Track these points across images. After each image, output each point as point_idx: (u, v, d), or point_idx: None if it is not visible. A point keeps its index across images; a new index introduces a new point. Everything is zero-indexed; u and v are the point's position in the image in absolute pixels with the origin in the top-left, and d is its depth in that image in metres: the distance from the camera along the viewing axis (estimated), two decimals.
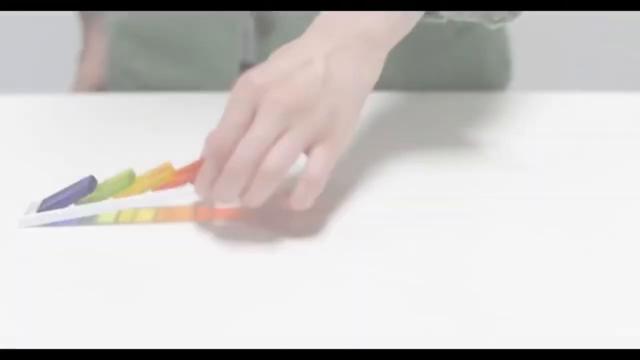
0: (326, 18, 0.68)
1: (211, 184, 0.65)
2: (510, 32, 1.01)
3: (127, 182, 0.67)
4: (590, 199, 0.71)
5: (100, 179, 0.70)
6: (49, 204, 0.67)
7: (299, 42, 0.67)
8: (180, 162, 0.75)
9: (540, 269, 0.62)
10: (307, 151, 0.65)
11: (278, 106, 0.63)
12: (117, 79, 1.02)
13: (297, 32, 0.91)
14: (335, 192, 0.72)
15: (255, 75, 0.64)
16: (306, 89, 0.64)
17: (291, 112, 0.63)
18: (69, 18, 1.22)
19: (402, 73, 0.93)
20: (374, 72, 0.67)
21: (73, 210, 0.67)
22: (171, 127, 0.84)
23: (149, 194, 0.67)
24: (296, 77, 0.64)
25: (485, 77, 0.97)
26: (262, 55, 0.92)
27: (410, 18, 0.69)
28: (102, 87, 1.12)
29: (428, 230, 0.67)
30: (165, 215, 0.68)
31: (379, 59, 0.68)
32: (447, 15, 0.71)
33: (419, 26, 0.92)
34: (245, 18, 0.91)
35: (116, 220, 0.68)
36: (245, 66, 0.94)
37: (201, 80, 0.94)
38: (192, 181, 0.67)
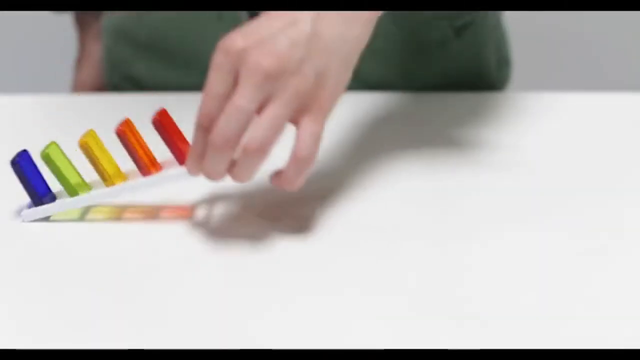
0: None
1: (200, 160, 0.61)
2: (509, 31, 1.00)
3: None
4: (590, 199, 0.71)
5: (97, 177, 0.70)
6: (37, 197, 0.67)
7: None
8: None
9: (540, 268, 0.62)
10: (294, 121, 0.61)
11: (259, 71, 0.58)
12: (116, 84, 1.01)
13: None
14: (333, 193, 0.72)
15: (235, 39, 0.59)
16: (289, 50, 0.59)
17: (273, 77, 0.58)
18: (69, 18, 1.22)
19: (401, 73, 0.93)
20: (365, 30, 0.62)
21: (70, 202, 0.67)
22: None
23: (141, 179, 0.66)
24: (279, 38, 0.59)
25: (484, 76, 0.97)
26: None
27: None
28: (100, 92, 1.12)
29: (427, 231, 0.67)
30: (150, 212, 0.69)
31: (368, 18, 0.62)
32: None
33: (418, 26, 0.92)
34: (244, 20, 0.91)
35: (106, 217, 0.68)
36: None
37: (202, 84, 0.94)
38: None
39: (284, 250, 0.64)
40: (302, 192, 0.63)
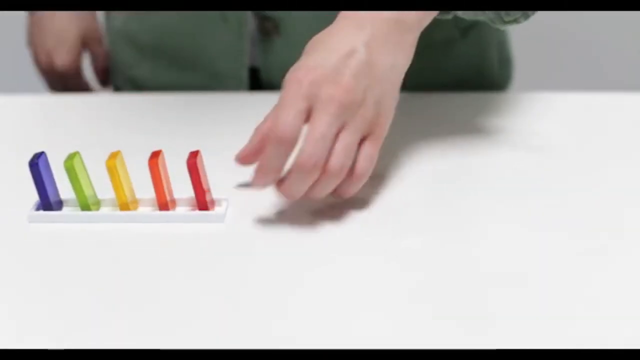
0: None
1: (275, 172, 0.65)
2: (511, 31, 1.00)
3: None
4: (590, 198, 0.71)
5: (98, 179, 0.69)
6: (47, 201, 0.68)
7: (332, 33, 0.67)
8: (180, 163, 0.75)
9: (540, 268, 0.62)
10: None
11: (334, 103, 0.64)
12: (119, 87, 1.02)
13: (301, 36, 0.90)
14: None
15: (303, 74, 0.65)
16: (355, 82, 0.65)
17: (346, 107, 0.64)
18: None
19: (406, 72, 0.93)
20: (408, 56, 0.68)
21: (81, 216, 0.68)
22: (172, 127, 0.84)
23: (155, 213, 0.68)
24: (343, 70, 0.65)
25: (487, 75, 0.97)
26: (267, 60, 0.92)
27: None
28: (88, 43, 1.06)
29: (426, 231, 0.67)
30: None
31: (411, 44, 0.68)
32: (457, 14, 0.71)
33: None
34: (250, 21, 0.91)
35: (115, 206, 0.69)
36: (254, 71, 0.94)
37: (208, 86, 0.94)
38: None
39: (283, 248, 0.64)
40: None
